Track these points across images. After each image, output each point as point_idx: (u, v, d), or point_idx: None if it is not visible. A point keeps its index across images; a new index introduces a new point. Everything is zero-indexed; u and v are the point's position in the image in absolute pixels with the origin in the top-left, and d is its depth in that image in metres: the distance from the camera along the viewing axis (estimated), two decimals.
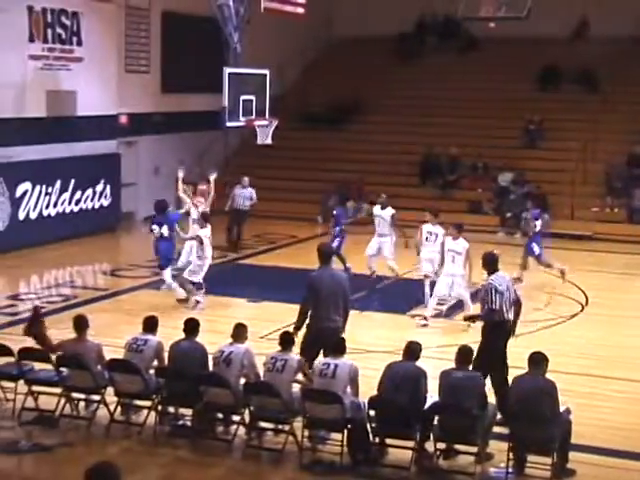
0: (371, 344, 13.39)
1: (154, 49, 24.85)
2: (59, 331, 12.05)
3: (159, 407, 10.21)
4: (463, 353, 9.58)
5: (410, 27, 30.97)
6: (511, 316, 10.79)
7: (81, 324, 10.48)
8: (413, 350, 9.68)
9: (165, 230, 16.06)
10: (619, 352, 13.57)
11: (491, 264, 11.09)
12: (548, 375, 9.26)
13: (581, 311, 16.05)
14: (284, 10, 20.38)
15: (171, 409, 10.40)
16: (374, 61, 30.53)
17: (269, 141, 19.51)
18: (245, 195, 20.76)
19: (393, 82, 29.48)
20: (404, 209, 19.48)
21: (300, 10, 20.91)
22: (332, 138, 27.84)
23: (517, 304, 10.93)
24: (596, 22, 28.22)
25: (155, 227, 16.16)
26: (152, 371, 10.24)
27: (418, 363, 9.62)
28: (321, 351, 10.41)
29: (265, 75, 19.40)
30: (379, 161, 26.66)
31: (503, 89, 28.16)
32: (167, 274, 16.25)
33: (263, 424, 9.96)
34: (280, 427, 9.92)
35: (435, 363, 10.97)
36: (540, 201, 23.78)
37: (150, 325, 10.47)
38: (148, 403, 10.19)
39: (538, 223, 17.90)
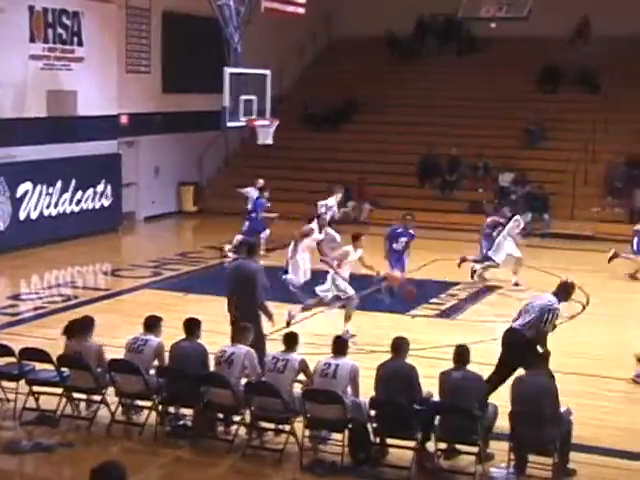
0: (374, 344, 13.36)
1: (154, 49, 24.86)
2: (60, 331, 12.01)
3: (160, 407, 10.22)
4: (460, 353, 9.55)
5: (410, 27, 30.97)
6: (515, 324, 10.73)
7: (85, 325, 10.51)
8: (399, 345, 9.63)
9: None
10: (619, 352, 13.54)
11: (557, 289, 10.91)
12: None
13: (582, 311, 16.04)
14: (284, 10, 20.36)
15: (172, 409, 10.41)
16: (374, 61, 30.54)
17: (270, 141, 19.50)
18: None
19: (393, 82, 29.47)
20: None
21: (300, 10, 20.88)
22: (331, 138, 27.84)
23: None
24: (597, 22, 28.22)
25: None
26: (153, 371, 10.25)
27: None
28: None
29: (266, 75, 19.40)
30: (379, 161, 26.66)
31: (504, 89, 28.15)
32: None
33: (264, 424, 9.96)
34: (281, 427, 9.92)
35: (435, 363, 10.97)
36: (541, 201, 23.87)
37: (151, 325, 10.47)
38: (149, 403, 10.20)
39: None
